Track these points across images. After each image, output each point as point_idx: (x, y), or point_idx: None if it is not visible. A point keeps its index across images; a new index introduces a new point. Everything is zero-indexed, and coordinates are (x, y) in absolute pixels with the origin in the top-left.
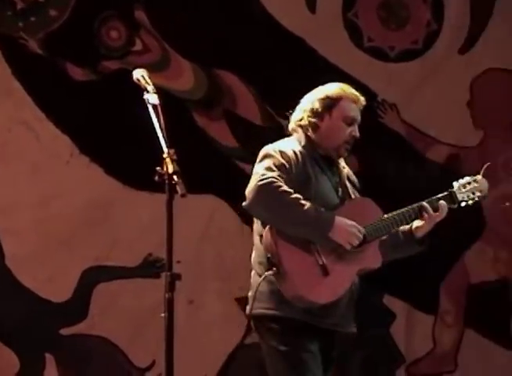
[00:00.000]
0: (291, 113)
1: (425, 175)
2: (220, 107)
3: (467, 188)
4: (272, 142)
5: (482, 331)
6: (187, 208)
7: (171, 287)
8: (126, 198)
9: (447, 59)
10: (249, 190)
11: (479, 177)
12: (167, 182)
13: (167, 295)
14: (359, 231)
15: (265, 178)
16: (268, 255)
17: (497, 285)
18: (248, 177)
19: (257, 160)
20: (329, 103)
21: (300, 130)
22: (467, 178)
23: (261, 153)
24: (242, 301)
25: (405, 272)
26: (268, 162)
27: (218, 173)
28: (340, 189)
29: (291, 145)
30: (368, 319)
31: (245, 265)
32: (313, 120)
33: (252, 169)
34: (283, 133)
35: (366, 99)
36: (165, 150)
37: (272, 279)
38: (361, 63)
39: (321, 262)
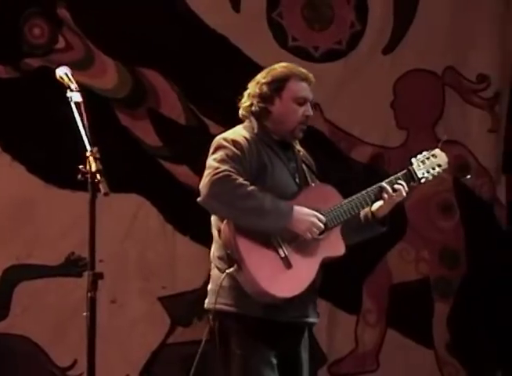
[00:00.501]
0: (240, 100)
1: (349, 174)
2: (144, 106)
3: (426, 164)
4: (195, 142)
5: (404, 331)
6: (110, 207)
7: (93, 286)
8: (48, 197)
9: (371, 59)
10: (203, 185)
11: (437, 151)
12: (90, 180)
13: (89, 294)
14: (319, 219)
15: (219, 172)
16: (228, 251)
17: (419, 285)
18: (171, 176)
19: (210, 151)
20: (278, 86)
21: (252, 117)
22: (425, 154)
23: (213, 144)
24: (165, 301)
25: (327, 271)
26: (220, 154)
27: (141, 172)
28: (297, 175)
29: (244, 133)
30: None
31: (168, 264)
32: (263, 105)
33: (174, 168)
34: (207, 132)
35: None
36: (88, 148)
37: (234, 274)
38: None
39: (283, 255)
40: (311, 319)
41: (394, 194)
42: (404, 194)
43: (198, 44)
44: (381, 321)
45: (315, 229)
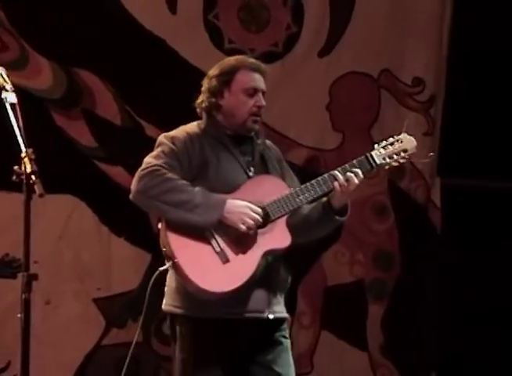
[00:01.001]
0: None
1: None
2: (79, 107)
3: (389, 149)
4: (130, 143)
5: (338, 333)
6: (45, 208)
7: (27, 287)
8: None
9: (307, 62)
10: (132, 181)
11: (404, 135)
12: (24, 181)
13: (23, 296)
14: (253, 210)
15: (148, 167)
16: (164, 249)
17: (353, 287)
18: (107, 177)
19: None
20: (226, 78)
21: (203, 112)
22: (390, 139)
23: (157, 141)
24: (99, 302)
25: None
26: (156, 151)
27: (76, 173)
28: (252, 169)
29: (189, 129)
30: None
31: (103, 265)
32: (213, 99)
33: (109, 169)
34: (142, 133)
35: None
36: (23, 149)
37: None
38: None
39: (218, 249)
40: (271, 315)
41: (345, 183)
42: (356, 182)
43: (134, 45)
44: (315, 323)
45: (248, 220)
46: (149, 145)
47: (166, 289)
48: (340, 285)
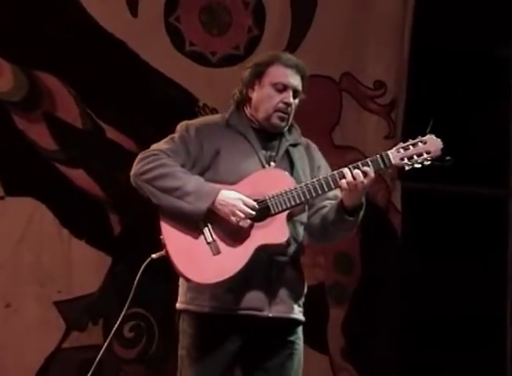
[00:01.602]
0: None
1: None
2: (40, 109)
3: (410, 149)
4: (91, 146)
5: None
6: (5, 211)
7: None
8: None
9: None
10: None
11: (429, 136)
12: None
13: None
14: (245, 203)
15: (148, 151)
16: (161, 237)
17: (314, 290)
18: (67, 180)
19: None
20: (258, 70)
21: (233, 104)
22: (411, 141)
23: None
24: (60, 305)
25: None
26: (168, 137)
27: (37, 176)
28: (273, 164)
29: (210, 119)
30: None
31: (64, 268)
32: (244, 91)
33: (69, 172)
34: (103, 136)
35: (188, 104)
36: None
37: None
38: (182, 68)
39: (209, 240)
40: (271, 314)
41: (353, 181)
42: (362, 180)
43: (95, 48)
44: None
45: (239, 213)
46: (110, 147)
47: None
48: None
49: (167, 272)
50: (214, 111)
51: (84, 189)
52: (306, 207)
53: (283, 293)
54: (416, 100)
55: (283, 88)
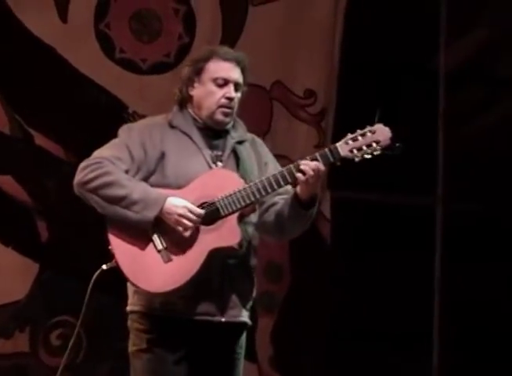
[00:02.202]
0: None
1: None
2: None
3: (359, 140)
4: (20, 152)
5: None
6: None
7: None
8: None
9: None
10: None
11: (378, 126)
12: None
13: None
14: (192, 211)
15: (91, 159)
16: (110, 247)
17: None
18: None
19: None
20: (197, 67)
21: (175, 104)
22: (359, 131)
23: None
24: None
25: None
26: (110, 143)
27: None
28: (220, 164)
29: (152, 121)
30: (119, 331)
31: None
32: (184, 90)
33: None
34: (32, 143)
35: (117, 111)
36: None
37: None
38: (112, 75)
39: (160, 248)
40: (224, 319)
41: (311, 173)
42: (311, 173)
43: (24, 53)
44: None
45: (185, 222)
46: (38, 154)
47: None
48: None
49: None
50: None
51: (11, 195)
52: (257, 206)
53: (234, 297)
54: (346, 109)
55: (223, 82)
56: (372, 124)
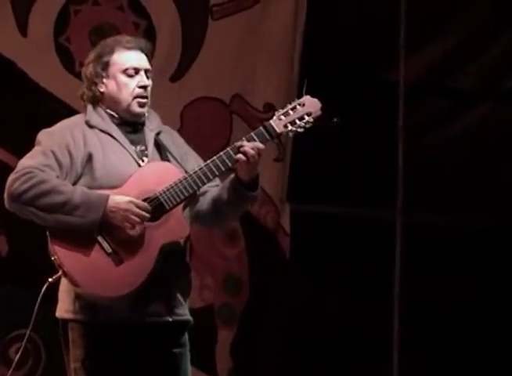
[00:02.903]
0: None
1: None
2: None
3: (291, 114)
4: None
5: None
6: None
7: None
8: None
9: (158, 86)
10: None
11: (306, 98)
12: None
13: None
14: (138, 206)
15: (19, 170)
16: (53, 258)
17: (202, 312)
18: None
19: None
20: (102, 62)
21: (87, 104)
22: (289, 106)
23: (36, 139)
24: None
25: None
26: (33, 150)
27: None
28: (146, 159)
29: (70, 123)
30: None
31: None
32: (94, 88)
33: None
34: None
35: None
36: None
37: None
38: (72, 88)
39: (109, 251)
40: (170, 318)
41: (252, 152)
42: (251, 152)
43: None
44: None
45: (133, 217)
46: None
47: (59, 294)
48: (190, 310)
49: (50, 292)
50: None
51: None
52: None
53: (178, 294)
54: None
55: (134, 72)
56: (300, 97)
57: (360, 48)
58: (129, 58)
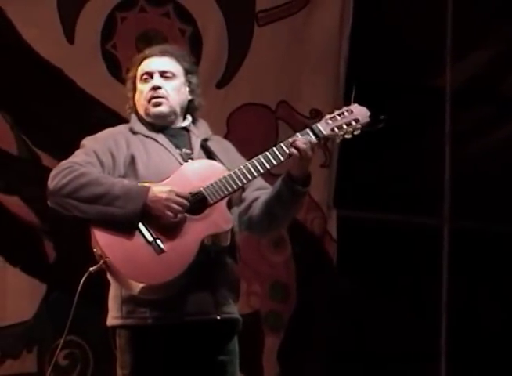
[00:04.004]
0: None
1: None
2: None
3: (338, 119)
4: (27, 173)
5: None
6: None
7: None
8: None
9: (204, 93)
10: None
11: (354, 105)
12: None
13: None
14: (179, 195)
15: (60, 166)
16: (94, 249)
17: (249, 319)
18: (3, 207)
19: None
20: (131, 75)
21: (132, 113)
22: (337, 111)
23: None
24: None
25: None
26: (76, 152)
27: None
28: (190, 161)
29: (114, 130)
30: None
31: None
32: (131, 100)
33: (5, 199)
34: (39, 163)
35: None
36: None
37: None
38: (119, 95)
39: (150, 240)
40: (218, 316)
41: (304, 146)
42: (304, 146)
43: (31, 75)
44: None
45: (174, 206)
46: (45, 174)
47: (108, 303)
48: None
49: (99, 298)
50: None
51: (19, 216)
52: (238, 202)
53: (225, 292)
54: None
55: (148, 76)
56: (348, 104)
57: (406, 54)
58: (144, 65)
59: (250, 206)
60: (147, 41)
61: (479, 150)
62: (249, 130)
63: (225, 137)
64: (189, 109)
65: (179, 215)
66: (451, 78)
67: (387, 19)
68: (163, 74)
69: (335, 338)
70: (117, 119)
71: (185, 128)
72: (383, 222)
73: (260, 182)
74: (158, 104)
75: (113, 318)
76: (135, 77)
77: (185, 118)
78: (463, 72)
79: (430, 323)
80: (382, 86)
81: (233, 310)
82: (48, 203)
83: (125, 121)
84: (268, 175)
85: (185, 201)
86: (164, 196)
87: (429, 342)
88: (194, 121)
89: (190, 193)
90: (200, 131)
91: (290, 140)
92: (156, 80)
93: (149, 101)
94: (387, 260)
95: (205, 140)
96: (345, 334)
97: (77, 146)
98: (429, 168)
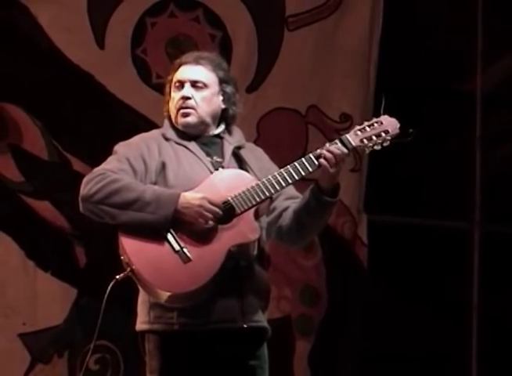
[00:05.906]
0: None
1: None
2: (5, 141)
3: (367, 131)
4: (58, 178)
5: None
6: None
7: None
8: None
9: None
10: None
11: (384, 117)
12: None
13: None
14: (211, 202)
15: (93, 172)
16: (122, 257)
17: (280, 323)
18: (33, 211)
19: None
20: (168, 81)
21: (166, 118)
22: (366, 123)
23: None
24: (25, 337)
25: None
26: (109, 158)
27: (2, 207)
28: (221, 169)
29: (147, 135)
30: None
31: (29, 300)
32: (166, 100)
33: (36, 203)
34: (70, 168)
35: None
36: None
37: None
38: (149, 100)
39: (177, 248)
40: (244, 324)
41: (332, 157)
42: (333, 157)
43: (62, 80)
44: None
45: (206, 213)
46: (76, 179)
47: (138, 308)
48: (268, 320)
49: (129, 303)
50: None
51: (49, 220)
52: (268, 211)
53: (253, 300)
54: None
55: (180, 85)
56: (378, 116)
57: (437, 57)
58: (179, 72)
59: (280, 215)
60: (177, 46)
61: (510, 153)
62: (279, 135)
63: (255, 142)
64: (224, 117)
65: (210, 222)
66: (481, 82)
67: (417, 23)
68: (194, 83)
69: (366, 341)
70: (146, 123)
71: (219, 136)
72: (413, 226)
73: (291, 191)
74: (186, 115)
75: (141, 323)
76: (171, 82)
77: (219, 126)
78: (493, 76)
79: (461, 326)
80: (412, 90)
81: (261, 318)
82: (81, 209)
83: (155, 125)
84: (301, 180)
85: (217, 209)
86: (197, 202)
87: (460, 345)
88: (229, 129)
89: None
90: (234, 138)
91: (319, 151)
92: (187, 90)
93: (178, 110)
94: (417, 264)
95: (238, 148)
96: (376, 338)
97: (106, 151)
98: (460, 172)
